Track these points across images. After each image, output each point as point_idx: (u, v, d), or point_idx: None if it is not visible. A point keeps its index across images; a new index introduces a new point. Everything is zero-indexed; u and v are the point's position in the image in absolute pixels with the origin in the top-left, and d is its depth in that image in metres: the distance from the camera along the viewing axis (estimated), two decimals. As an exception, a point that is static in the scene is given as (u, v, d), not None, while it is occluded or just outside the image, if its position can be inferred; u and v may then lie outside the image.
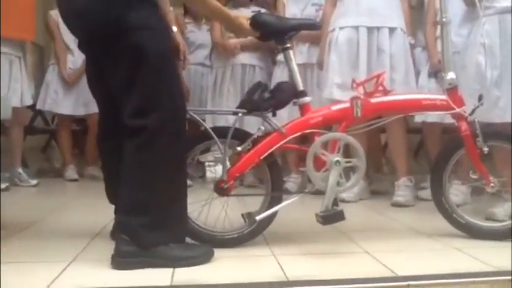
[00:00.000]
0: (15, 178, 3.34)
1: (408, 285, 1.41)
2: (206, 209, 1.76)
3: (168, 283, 1.40)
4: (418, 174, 2.97)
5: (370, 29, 2.66)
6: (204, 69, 3.86)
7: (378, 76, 1.89)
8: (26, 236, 1.96)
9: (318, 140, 1.77)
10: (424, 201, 2.76)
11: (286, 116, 2.17)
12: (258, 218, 1.74)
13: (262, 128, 1.81)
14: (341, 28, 2.71)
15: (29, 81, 3.42)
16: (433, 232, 2.02)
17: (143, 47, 1.51)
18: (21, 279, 1.45)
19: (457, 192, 2.65)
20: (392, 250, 1.76)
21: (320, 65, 2.93)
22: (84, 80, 3.69)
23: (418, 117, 2.78)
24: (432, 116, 2.58)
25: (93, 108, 3.74)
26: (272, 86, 1.98)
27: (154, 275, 1.47)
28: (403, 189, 2.65)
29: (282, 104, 1.82)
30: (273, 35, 1.86)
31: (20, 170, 3.38)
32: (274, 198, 1.81)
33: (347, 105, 1.85)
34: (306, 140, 1.85)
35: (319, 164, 1.77)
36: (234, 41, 3.40)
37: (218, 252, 1.65)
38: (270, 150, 1.77)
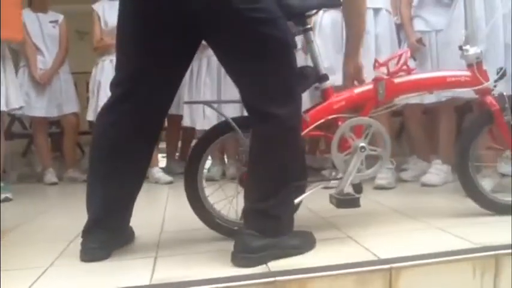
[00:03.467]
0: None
1: (391, 267, 1.40)
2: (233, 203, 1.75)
3: (147, 282, 1.37)
4: (399, 156, 2.97)
5: None
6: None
7: (401, 55, 1.84)
8: (4, 243, 1.91)
9: (347, 122, 1.73)
10: (405, 183, 2.78)
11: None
12: None
13: None
14: (325, 10, 2.68)
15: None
16: (416, 213, 2.02)
17: (284, 37, 1.48)
18: (-4, 288, 1.41)
19: (438, 171, 2.67)
20: (375, 233, 1.75)
21: (304, 49, 2.90)
22: (56, 81, 3.70)
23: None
24: (414, 98, 2.58)
25: (67, 109, 3.73)
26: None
27: (132, 275, 1.43)
28: (384, 172, 2.65)
29: (305, 90, 1.75)
30: (293, 15, 1.74)
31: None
32: (298, 188, 1.76)
33: (370, 86, 1.81)
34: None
35: (344, 147, 1.75)
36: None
37: (195, 248, 1.62)
38: None
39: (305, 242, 1.59)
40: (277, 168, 1.49)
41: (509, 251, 1.48)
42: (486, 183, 2.19)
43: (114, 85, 1.61)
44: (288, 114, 1.47)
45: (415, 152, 3.02)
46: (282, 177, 1.51)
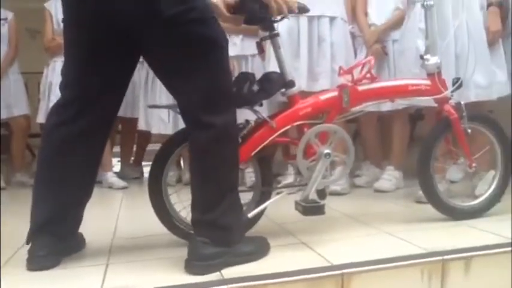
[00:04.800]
0: None
1: (342, 273, 1.42)
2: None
3: (97, 291, 1.34)
4: (353, 162, 3.02)
5: (310, 18, 2.67)
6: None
7: (365, 63, 1.86)
8: None
9: (314, 129, 1.74)
10: (359, 188, 2.83)
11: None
12: (249, 215, 1.71)
13: (251, 122, 1.74)
14: (281, 18, 2.70)
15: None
16: (368, 219, 2.06)
17: (215, 37, 1.45)
18: None
19: (390, 177, 2.73)
20: (329, 239, 1.78)
21: (262, 55, 2.91)
22: (5, 81, 3.55)
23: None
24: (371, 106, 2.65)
25: (16, 110, 3.59)
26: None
27: (82, 283, 1.39)
28: (339, 178, 2.69)
29: (271, 95, 1.76)
30: (260, 20, 1.74)
31: None
32: (264, 194, 1.78)
33: (335, 93, 1.83)
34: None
35: (309, 153, 1.75)
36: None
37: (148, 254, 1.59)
38: (261, 146, 1.72)
39: (259, 248, 1.59)
40: (215, 179, 1.49)
41: (456, 255, 1.54)
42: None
43: (62, 87, 1.59)
44: (223, 122, 1.47)
45: (369, 158, 3.09)
46: (222, 188, 1.50)
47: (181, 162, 3.48)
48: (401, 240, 1.73)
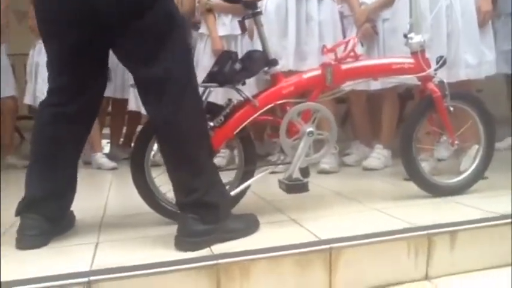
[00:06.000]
0: None
1: (330, 247, 1.44)
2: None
3: (87, 268, 1.34)
4: (343, 141, 3.05)
5: None
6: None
7: (348, 41, 1.85)
8: None
9: (296, 107, 1.74)
10: (348, 167, 2.85)
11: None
12: (232, 193, 1.72)
13: (234, 100, 1.74)
14: None
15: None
16: (356, 196, 2.08)
17: (173, 16, 1.48)
18: None
19: (379, 156, 2.75)
20: (318, 216, 1.79)
21: (250, 34, 2.89)
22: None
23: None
24: (360, 85, 2.65)
25: (4, 92, 3.54)
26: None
27: (72, 262, 1.40)
28: (328, 157, 2.70)
29: (253, 74, 1.76)
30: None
31: None
32: (247, 173, 1.78)
33: (319, 72, 1.82)
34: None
35: (292, 132, 1.76)
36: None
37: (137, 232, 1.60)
38: (244, 124, 1.72)
39: (248, 225, 1.60)
40: (187, 158, 1.50)
41: (441, 230, 1.56)
42: (424, 167, 2.29)
43: (50, 78, 1.61)
44: (183, 115, 1.47)
45: (358, 138, 3.11)
46: (197, 166, 1.51)
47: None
48: (389, 216, 1.75)
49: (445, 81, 1.99)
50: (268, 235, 1.58)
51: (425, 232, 1.54)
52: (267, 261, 1.39)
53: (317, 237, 1.53)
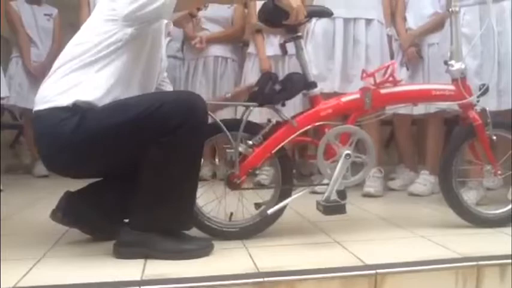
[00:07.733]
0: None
1: (376, 273, 1.44)
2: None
3: (138, 278, 1.40)
4: (388, 165, 3.03)
5: (346, 20, 2.69)
6: (176, 61, 3.82)
7: (388, 66, 1.87)
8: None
9: (333, 130, 1.77)
10: (393, 192, 2.83)
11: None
12: (269, 211, 1.75)
13: (273, 120, 1.79)
14: (318, 19, 2.73)
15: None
16: (401, 221, 2.06)
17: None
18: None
19: (425, 182, 2.72)
20: (362, 240, 1.79)
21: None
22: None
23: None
24: (403, 109, 2.63)
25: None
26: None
27: (124, 270, 1.46)
28: (373, 180, 2.70)
29: (292, 96, 1.80)
30: (282, 24, 1.77)
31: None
32: (284, 192, 1.81)
33: (357, 96, 1.85)
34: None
35: (330, 154, 1.78)
36: (201, 34, 3.40)
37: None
38: (282, 144, 1.76)
39: (196, 247, 1.61)
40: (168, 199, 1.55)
41: (491, 262, 1.53)
42: (471, 196, 2.25)
43: None
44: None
45: (403, 162, 3.08)
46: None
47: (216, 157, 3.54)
48: (435, 244, 1.73)
49: (495, 109, 1.96)
50: (312, 256, 1.59)
51: (475, 263, 1.51)
52: (314, 282, 1.40)
53: (361, 261, 1.53)
